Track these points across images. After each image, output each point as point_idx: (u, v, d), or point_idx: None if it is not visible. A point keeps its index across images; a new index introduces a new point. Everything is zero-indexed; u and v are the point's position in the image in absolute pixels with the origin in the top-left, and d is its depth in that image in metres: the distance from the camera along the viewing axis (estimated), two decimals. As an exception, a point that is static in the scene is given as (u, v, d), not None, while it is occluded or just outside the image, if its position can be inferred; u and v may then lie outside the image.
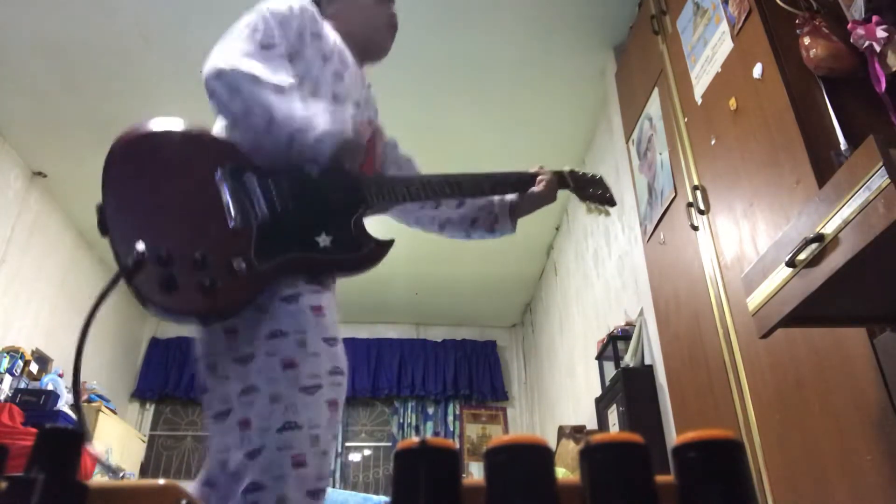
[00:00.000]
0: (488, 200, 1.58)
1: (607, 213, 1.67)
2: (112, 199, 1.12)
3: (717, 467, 0.38)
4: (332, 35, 1.44)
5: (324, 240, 1.24)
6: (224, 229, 1.14)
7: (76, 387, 1.03)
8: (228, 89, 1.20)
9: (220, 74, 1.20)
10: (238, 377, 1.11)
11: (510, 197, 1.59)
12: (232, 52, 1.23)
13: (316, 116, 1.23)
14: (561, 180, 1.62)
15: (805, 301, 1.05)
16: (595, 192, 1.66)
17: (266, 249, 1.15)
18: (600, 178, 1.68)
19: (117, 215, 1.12)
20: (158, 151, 1.20)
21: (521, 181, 1.58)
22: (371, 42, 1.51)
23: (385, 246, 1.34)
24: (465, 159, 4.32)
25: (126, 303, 5.87)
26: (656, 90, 2.41)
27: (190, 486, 1.12)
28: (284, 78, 1.25)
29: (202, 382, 1.18)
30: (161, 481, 0.42)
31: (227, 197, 1.16)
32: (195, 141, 1.24)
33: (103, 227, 1.11)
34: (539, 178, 1.58)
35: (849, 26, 1.53)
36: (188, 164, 1.21)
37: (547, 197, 1.58)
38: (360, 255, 1.30)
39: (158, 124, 1.20)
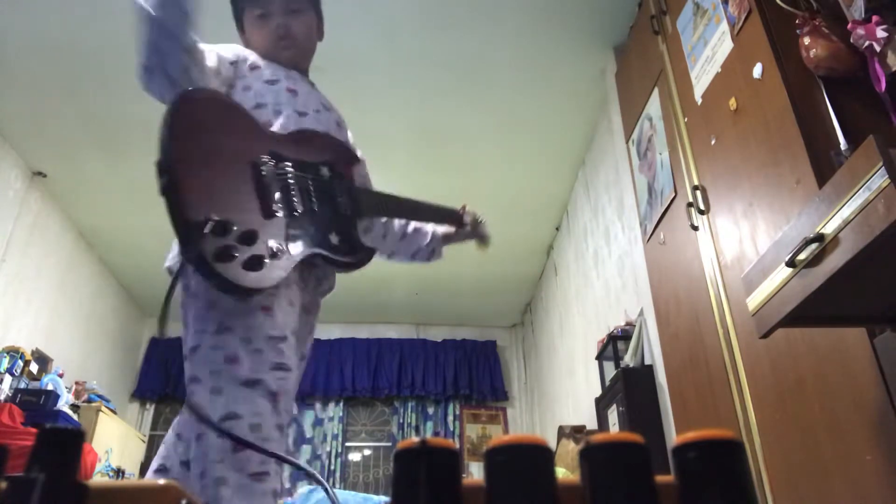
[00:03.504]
0: (426, 233, 1.77)
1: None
2: (179, 155, 1.15)
3: (717, 467, 0.38)
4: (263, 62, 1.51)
5: (334, 238, 1.33)
6: (265, 215, 1.21)
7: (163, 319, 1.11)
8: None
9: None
10: (188, 366, 1.20)
11: (442, 229, 1.80)
12: None
13: None
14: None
15: (805, 301, 1.05)
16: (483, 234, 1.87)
17: (294, 240, 1.23)
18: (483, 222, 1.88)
19: (185, 171, 1.14)
20: (226, 115, 1.27)
21: (452, 216, 1.79)
22: (276, 60, 1.53)
23: (372, 252, 1.44)
24: (465, 159, 4.34)
25: (126, 303, 5.90)
26: (656, 90, 2.41)
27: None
28: None
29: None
30: (161, 481, 0.42)
31: (274, 185, 1.25)
32: (248, 117, 1.32)
33: (171, 183, 1.11)
34: (465, 216, 1.80)
35: (849, 26, 1.53)
36: (244, 137, 1.28)
37: (473, 234, 1.83)
38: (357, 257, 1.38)
39: (209, 96, 1.28)
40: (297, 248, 1.22)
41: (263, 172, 1.24)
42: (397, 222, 1.72)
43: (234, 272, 1.09)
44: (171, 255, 1.32)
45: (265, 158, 1.26)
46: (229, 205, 1.16)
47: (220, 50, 1.42)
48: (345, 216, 1.39)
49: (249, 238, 1.14)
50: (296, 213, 1.26)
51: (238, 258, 1.11)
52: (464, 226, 1.79)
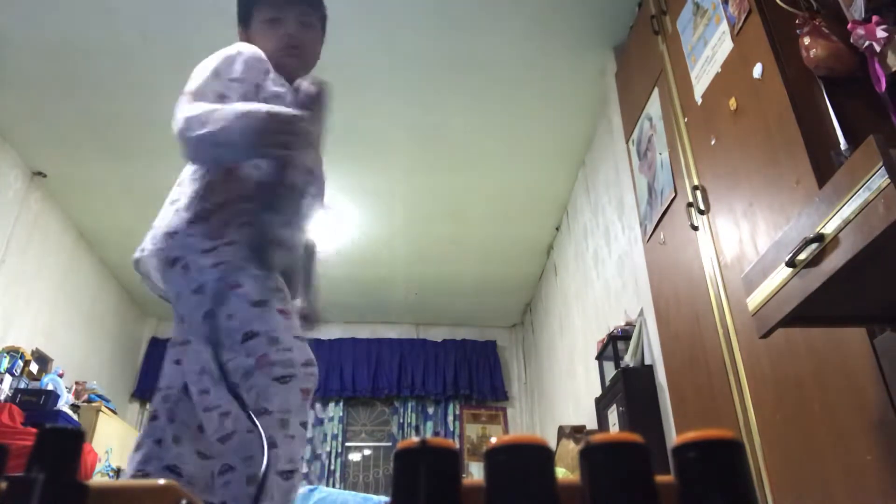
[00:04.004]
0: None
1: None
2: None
3: (717, 467, 0.38)
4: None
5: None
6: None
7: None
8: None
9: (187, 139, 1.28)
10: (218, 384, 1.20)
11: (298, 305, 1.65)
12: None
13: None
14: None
15: (805, 301, 1.05)
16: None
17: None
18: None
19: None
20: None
21: (311, 302, 1.65)
22: (278, 66, 1.52)
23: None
24: (465, 159, 4.34)
25: (126, 303, 5.90)
26: (656, 90, 2.41)
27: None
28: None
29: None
30: (161, 481, 0.42)
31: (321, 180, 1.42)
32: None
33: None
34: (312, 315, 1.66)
35: (849, 26, 1.53)
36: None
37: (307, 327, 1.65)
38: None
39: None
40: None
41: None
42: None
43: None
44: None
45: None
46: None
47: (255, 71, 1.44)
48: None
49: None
50: (306, 213, 1.42)
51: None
52: (308, 320, 1.63)
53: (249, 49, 1.44)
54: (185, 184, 1.36)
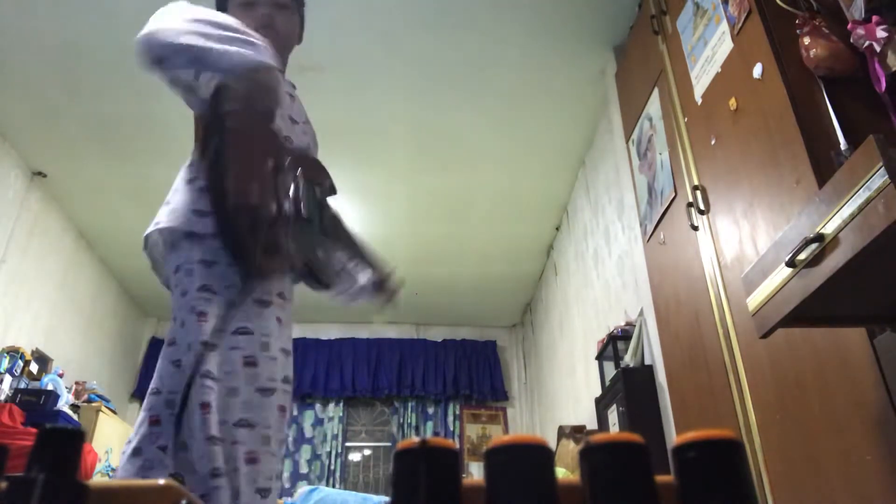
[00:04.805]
0: (355, 279, 1.64)
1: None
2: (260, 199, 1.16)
3: (717, 467, 0.38)
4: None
5: (321, 253, 1.39)
6: (281, 210, 1.24)
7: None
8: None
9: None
10: (203, 361, 1.16)
11: (364, 281, 1.65)
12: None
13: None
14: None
15: (805, 301, 1.05)
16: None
17: (295, 244, 1.27)
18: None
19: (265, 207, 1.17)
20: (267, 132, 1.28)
21: (381, 271, 1.66)
22: None
23: (336, 279, 1.52)
24: (465, 159, 4.34)
25: (126, 303, 5.90)
26: (656, 90, 2.41)
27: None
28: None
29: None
30: (161, 481, 0.42)
31: (299, 187, 1.28)
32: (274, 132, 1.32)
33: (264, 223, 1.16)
34: (389, 281, 1.67)
35: (849, 26, 1.53)
36: (274, 142, 1.29)
37: (387, 299, 1.67)
38: (333, 275, 1.47)
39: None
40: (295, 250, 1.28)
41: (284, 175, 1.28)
42: (340, 254, 1.68)
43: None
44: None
45: (291, 166, 1.30)
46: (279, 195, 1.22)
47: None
48: (323, 231, 1.42)
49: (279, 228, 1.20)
50: (294, 219, 1.29)
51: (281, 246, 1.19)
52: (384, 288, 1.66)
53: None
54: (179, 191, 1.32)
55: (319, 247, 1.38)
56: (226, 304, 1.19)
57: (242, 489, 1.08)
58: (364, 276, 1.63)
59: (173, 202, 1.29)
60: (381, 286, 1.64)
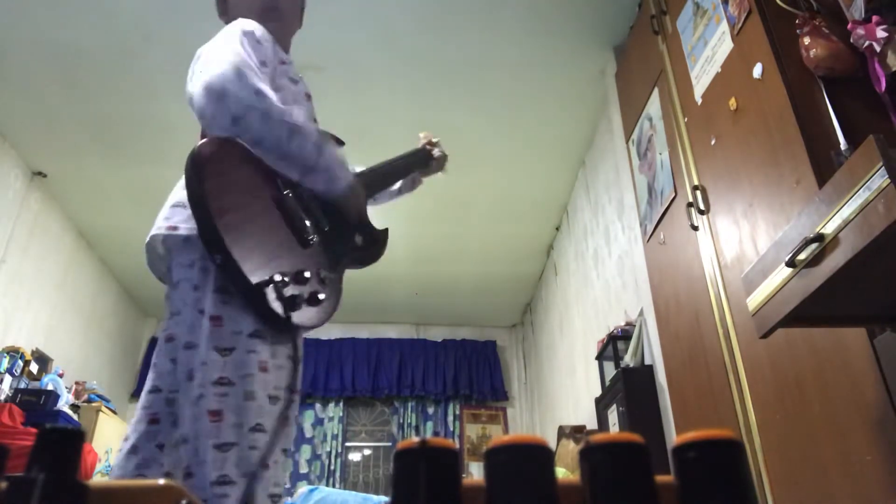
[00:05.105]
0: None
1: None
2: (222, 224, 1.12)
3: (717, 467, 0.38)
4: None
5: (359, 239, 1.44)
6: (303, 245, 1.26)
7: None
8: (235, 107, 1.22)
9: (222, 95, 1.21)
10: (215, 366, 1.13)
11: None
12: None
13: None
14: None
15: (805, 301, 1.05)
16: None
17: (331, 258, 1.32)
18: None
19: (233, 237, 1.12)
20: (240, 166, 1.24)
21: (424, 154, 2.01)
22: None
23: (385, 231, 1.54)
24: (465, 159, 4.33)
25: (126, 303, 5.90)
26: (656, 90, 2.41)
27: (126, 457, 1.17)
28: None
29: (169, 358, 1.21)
30: (161, 481, 0.42)
31: (302, 215, 1.28)
32: (256, 160, 1.27)
33: (227, 258, 1.10)
34: (431, 147, 2.04)
35: (849, 26, 1.53)
36: (261, 182, 1.26)
37: (438, 168, 2.06)
38: (380, 243, 1.51)
39: (220, 141, 1.22)
40: (335, 264, 1.33)
41: (286, 203, 1.27)
42: (387, 192, 1.87)
43: (302, 315, 1.16)
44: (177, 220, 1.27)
45: (282, 187, 1.28)
46: (276, 251, 1.18)
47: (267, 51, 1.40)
48: (360, 213, 1.47)
49: (301, 277, 1.18)
50: (326, 230, 1.33)
51: (301, 298, 1.16)
52: (430, 164, 2.01)
53: (260, 29, 1.41)
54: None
55: (357, 231, 1.43)
56: (242, 308, 1.15)
57: (258, 493, 1.06)
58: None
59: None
60: (428, 162, 1.98)
